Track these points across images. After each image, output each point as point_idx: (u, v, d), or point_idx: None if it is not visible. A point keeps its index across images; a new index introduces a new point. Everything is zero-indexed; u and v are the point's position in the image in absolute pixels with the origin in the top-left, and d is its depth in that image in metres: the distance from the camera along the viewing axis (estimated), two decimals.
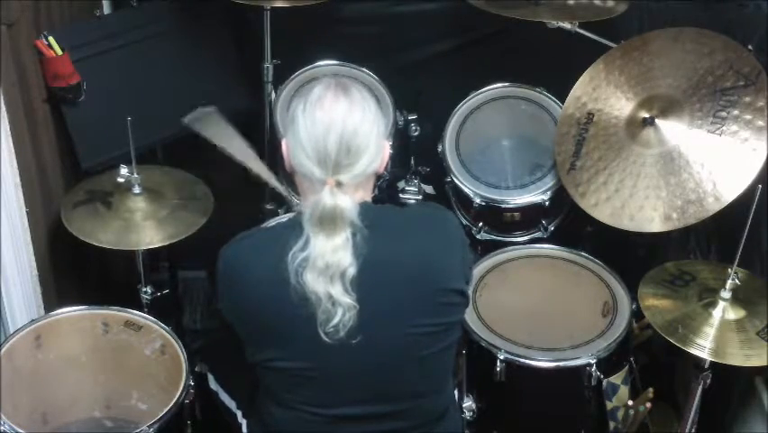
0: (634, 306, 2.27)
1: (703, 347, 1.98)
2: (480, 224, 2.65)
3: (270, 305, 1.70)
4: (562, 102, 2.57)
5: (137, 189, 2.38)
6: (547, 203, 2.58)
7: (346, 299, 1.64)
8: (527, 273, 2.47)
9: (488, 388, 2.28)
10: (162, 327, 2.22)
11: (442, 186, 2.77)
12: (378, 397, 1.77)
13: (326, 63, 2.81)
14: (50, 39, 2.43)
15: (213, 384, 2.18)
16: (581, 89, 2.51)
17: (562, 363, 2.19)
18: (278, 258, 1.65)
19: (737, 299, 2.06)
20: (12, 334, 2.17)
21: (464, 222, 2.67)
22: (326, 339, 1.65)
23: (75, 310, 2.24)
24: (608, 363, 2.21)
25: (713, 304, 2.06)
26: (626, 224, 2.36)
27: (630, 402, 2.26)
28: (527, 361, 2.19)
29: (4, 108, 2.20)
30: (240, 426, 2.05)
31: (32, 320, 2.23)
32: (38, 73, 2.44)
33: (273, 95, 2.79)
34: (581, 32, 2.56)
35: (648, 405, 2.25)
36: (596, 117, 2.48)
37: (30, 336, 2.17)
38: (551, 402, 2.27)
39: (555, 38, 2.59)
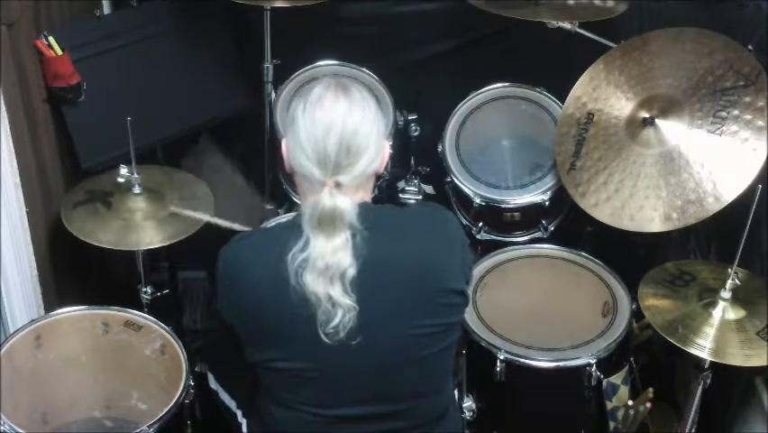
0: (634, 306, 2.27)
1: (703, 347, 1.98)
2: (480, 224, 2.65)
3: (270, 305, 1.70)
4: (562, 102, 2.57)
5: (137, 189, 2.38)
6: (547, 203, 2.58)
7: (346, 300, 1.63)
8: (527, 273, 2.47)
9: (488, 388, 2.28)
10: (162, 327, 2.22)
11: (442, 186, 2.77)
12: (378, 397, 1.77)
13: (326, 63, 2.81)
14: (50, 39, 2.43)
15: (213, 384, 2.18)
16: (581, 89, 2.51)
17: (562, 363, 2.19)
18: (277, 258, 1.65)
19: (737, 299, 2.06)
20: (12, 334, 2.17)
21: (464, 222, 2.67)
22: (326, 340, 1.65)
23: (75, 310, 2.24)
24: (608, 363, 2.21)
25: (713, 304, 2.06)
26: (626, 224, 2.36)
27: (630, 402, 2.26)
28: (527, 361, 2.19)
29: (4, 108, 2.20)
30: (240, 426, 2.05)
31: (32, 320, 2.23)
32: (38, 73, 2.43)
33: (273, 95, 2.79)
34: (581, 32, 2.56)
35: (648, 405, 2.25)
36: (596, 117, 2.48)
37: (30, 336, 2.17)
38: (551, 402, 2.27)
39: (555, 38, 2.59)
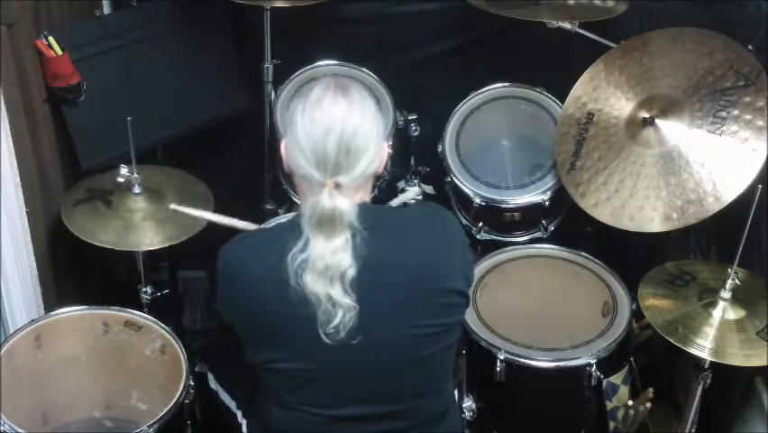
0: (634, 306, 2.27)
1: (703, 347, 1.98)
2: (480, 224, 2.65)
3: (270, 305, 1.69)
4: (562, 102, 2.57)
5: (137, 189, 2.38)
6: (547, 203, 2.58)
7: (346, 301, 1.63)
8: (527, 273, 2.47)
9: (488, 388, 2.28)
10: (162, 327, 2.22)
11: (442, 186, 2.77)
12: (378, 397, 1.77)
13: (326, 63, 2.81)
14: (50, 39, 2.43)
15: (213, 384, 2.18)
16: (581, 89, 2.51)
17: (562, 363, 2.19)
18: (277, 259, 1.65)
19: (737, 299, 2.06)
20: (12, 334, 2.17)
21: (464, 222, 2.67)
22: (327, 340, 1.65)
23: (75, 310, 2.24)
24: (608, 363, 2.21)
25: (713, 304, 2.06)
26: (626, 224, 2.36)
27: (630, 402, 2.26)
28: (527, 361, 2.19)
29: (4, 108, 2.20)
30: (240, 426, 2.05)
31: (32, 320, 2.24)
32: (38, 73, 2.44)
33: (273, 95, 2.79)
34: (581, 32, 2.56)
35: (648, 405, 2.25)
36: (596, 117, 2.48)
37: (30, 336, 2.18)
38: (551, 402, 2.27)
39: (555, 38, 2.59)
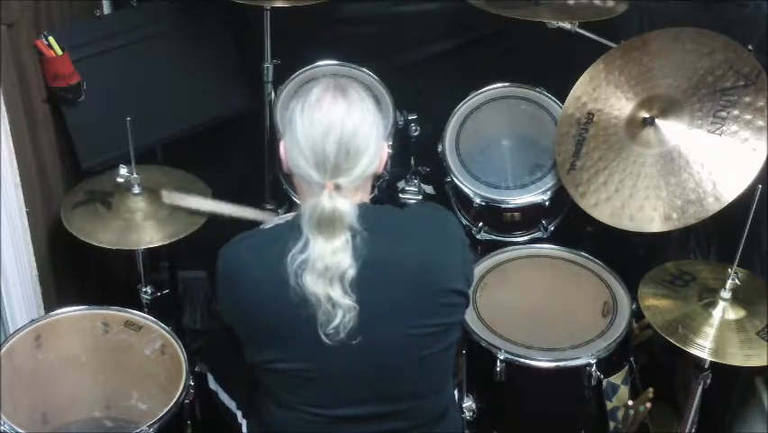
0: (634, 306, 2.27)
1: (703, 347, 1.98)
2: (480, 224, 2.65)
3: (270, 306, 1.69)
4: (562, 102, 2.57)
5: (137, 189, 2.38)
6: (547, 203, 2.58)
7: (346, 301, 1.63)
8: (527, 273, 2.47)
9: (488, 388, 2.28)
10: (162, 327, 2.22)
11: (442, 186, 2.77)
12: (378, 397, 1.77)
13: (326, 63, 2.81)
14: (50, 39, 2.43)
15: (213, 384, 2.18)
16: (581, 89, 2.51)
17: (562, 363, 2.19)
18: (277, 259, 1.65)
19: (737, 299, 2.06)
20: (12, 334, 2.17)
21: (464, 222, 2.67)
22: (326, 341, 1.65)
23: (75, 310, 2.24)
24: (608, 363, 2.21)
25: (713, 304, 2.06)
26: (626, 224, 2.36)
27: (630, 402, 2.26)
28: (527, 361, 2.19)
29: (4, 108, 2.20)
30: (240, 426, 2.05)
31: (32, 320, 2.24)
32: (38, 73, 2.43)
33: (273, 95, 2.79)
34: (581, 32, 2.56)
35: (648, 405, 2.25)
36: (596, 117, 2.48)
37: (30, 336, 2.18)
38: (551, 402, 2.27)
39: (555, 38, 2.59)
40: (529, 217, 2.63)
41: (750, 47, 2.29)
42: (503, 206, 2.61)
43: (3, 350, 2.11)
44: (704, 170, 2.29)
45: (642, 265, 2.31)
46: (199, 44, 2.83)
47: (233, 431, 2.08)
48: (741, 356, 1.96)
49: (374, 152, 1.71)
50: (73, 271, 2.64)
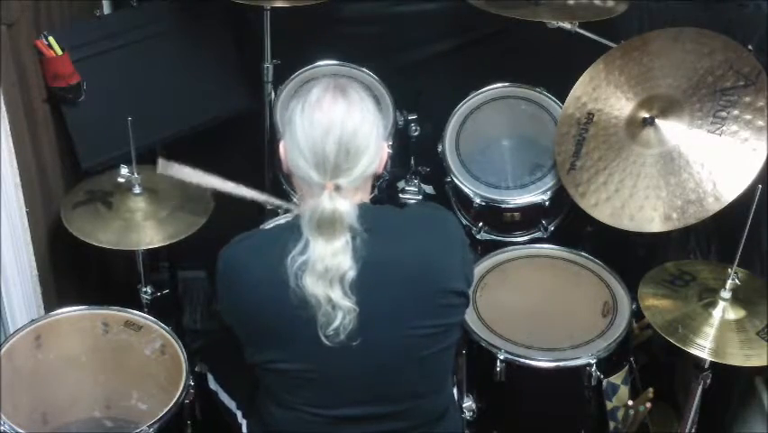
0: (634, 306, 2.27)
1: (703, 347, 1.98)
2: (480, 224, 2.65)
3: (270, 307, 1.69)
4: (562, 102, 2.57)
5: (137, 189, 2.38)
6: (547, 203, 2.58)
7: (346, 303, 1.63)
8: (527, 273, 2.47)
9: (488, 388, 2.28)
10: (162, 327, 2.22)
11: (442, 186, 2.77)
12: (378, 398, 1.77)
13: (326, 63, 2.81)
14: (50, 39, 2.43)
15: (213, 384, 2.18)
16: (581, 89, 2.51)
17: (562, 363, 2.19)
18: (277, 260, 1.65)
19: (737, 299, 2.06)
20: (12, 334, 2.17)
21: (464, 222, 2.67)
22: (327, 342, 1.65)
23: (75, 310, 2.24)
24: (608, 363, 2.21)
25: (713, 304, 2.06)
26: (626, 224, 2.36)
27: (630, 402, 2.26)
28: (527, 361, 2.19)
29: (4, 108, 2.20)
30: (240, 426, 2.05)
31: (32, 320, 2.24)
32: (38, 73, 2.44)
33: (273, 95, 2.79)
34: (581, 32, 2.56)
35: (648, 405, 2.25)
36: (596, 117, 2.48)
37: (30, 336, 2.18)
38: (551, 402, 2.27)
39: (555, 38, 2.59)
40: (529, 217, 2.63)
41: (750, 47, 2.29)
42: (503, 206, 2.61)
43: (3, 350, 2.11)
44: (704, 170, 2.29)
45: (642, 265, 2.31)
46: (199, 44, 2.83)
47: (233, 431, 2.08)
48: (741, 356, 1.96)
49: (374, 152, 1.71)
50: (73, 271, 2.64)
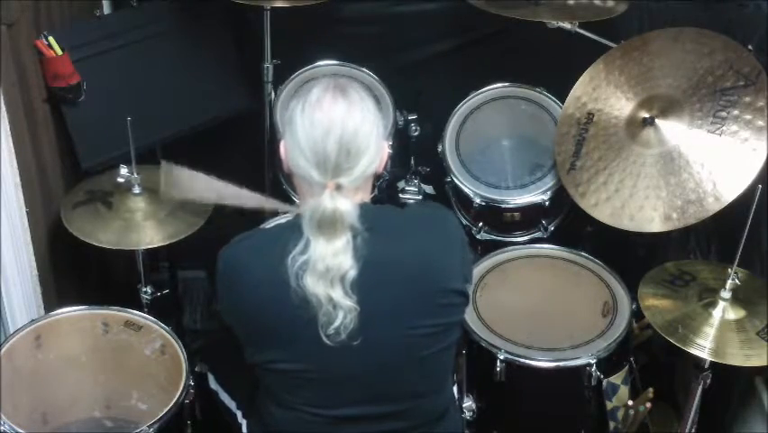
0: (634, 306, 2.27)
1: (703, 347, 1.98)
2: (480, 224, 2.65)
3: (270, 306, 1.69)
4: (562, 102, 2.57)
5: (137, 189, 2.38)
6: (547, 203, 2.58)
7: (347, 302, 1.63)
8: (527, 273, 2.47)
9: (488, 388, 2.28)
10: (162, 327, 2.22)
11: (442, 186, 2.77)
12: (378, 397, 1.77)
13: (326, 63, 2.81)
14: (50, 39, 2.43)
15: (213, 384, 2.18)
16: (581, 89, 2.51)
17: (562, 363, 2.19)
18: (278, 260, 1.65)
19: (737, 299, 2.06)
20: (12, 334, 2.17)
21: (464, 222, 2.67)
22: (327, 342, 1.65)
23: (75, 310, 2.24)
24: (608, 363, 2.21)
25: (713, 304, 2.06)
26: (626, 224, 2.36)
27: (630, 402, 2.26)
28: (527, 361, 2.19)
29: (4, 108, 2.20)
30: (240, 426, 2.05)
31: (32, 320, 2.24)
32: (38, 73, 2.44)
33: (273, 95, 2.79)
34: (581, 32, 2.56)
35: (648, 405, 2.25)
36: (596, 117, 2.48)
37: (30, 336, 2.17)
38: (551, 402, 2.27)
39: (555, 38, 2.59)
40: (529, 217, 2.63)
41: (750, 47, 2.29)
42: (503, 206, 2.61)
43: (3, 350, 2.11)
44: (704, 170, 2.29)
45: (642, 265, 2.31)
46: (199, 44, 2.83)
47: (233, 431, 2.08)
48: (741, 356, 1.96)
49: (375, 151, 1.71)
50: (73, 271, 2.64)
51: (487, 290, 2.39)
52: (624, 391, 2.26)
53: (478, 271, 2.43)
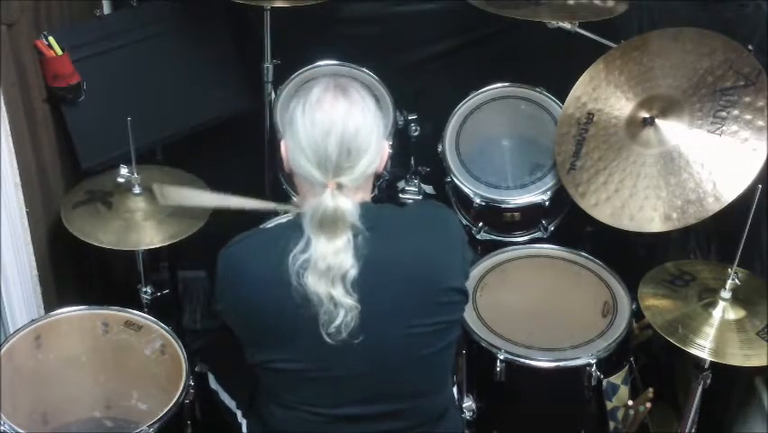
0: (634, 306, 2.26)
1: (703, 347, 1.98)
2: (480, 224, 2.65)
3: (271, 306, 1.69)
4: (562, 102, 2.57)
5: (137, 189, 2.38)
6: (547, 203, 2.58)
7: (348, 301, 1.64)
8: (527, 273, 2.47)
9: (488, 388, 2.28)
10: (162, 327, 2.22)
11: (442, 186, 2.77)
12: (378, 396, 1.77)
13: (326, 63, 2.81)
14: (50, 39, 2.43)
15: (213, 384, 2.18)
16: (581, 89, 2.51)
17: (562, 363, 2.19)
18: (278, 259, 1.65)
19: (737, 299, 2.06)
20: (12, 334, 2.17)
21: (464, 222, 2.67)
22: (328, 340, 1.65)
23: (75, 310, 2.24)
24: (608, 363, 2.21)
25: (713, 304, 2.06)
26: (626, 224, 2.36)
27: (630, 402, 2.26)
28: (527, 361, 2.19)
29: (4, 108, 2.20)
30: (240, 426, 2.05)
31: (32, 320, 2.23)
32: (38, 73, 2.44)
33: (273, 95, 2.79)
34: (581, 32, 2.56)
35: (648, 405, 2.25)
36: (596, 117, 2.48)
37: (30, 336, 2.17)
38: (551, 402, 2.27)
39: (555, 38, 2.59)
40: (529, 217, 2.63)
41: (750, 47, 2.29)
42: (503, 206, 2.61)
43: (3, 350, 2.10)
44: (704, 170, 2.29)
45: (642, 265, 2.31)
46: (199, 44, 2.83)
47: (233, 431, 2.08)
48: (741, 356, 1.96)
49: (375, 151, 1.71)
50: (73, 271, 2.64)
51: (487, 290, 2.39)
52: (624, 391, 2.26)
53: (478, 271, 2.42)
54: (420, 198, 2.89)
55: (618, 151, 2.43)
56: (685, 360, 2.26)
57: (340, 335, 1.65)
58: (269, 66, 2.79)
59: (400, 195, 2.90)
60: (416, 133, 2.82)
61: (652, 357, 2.60)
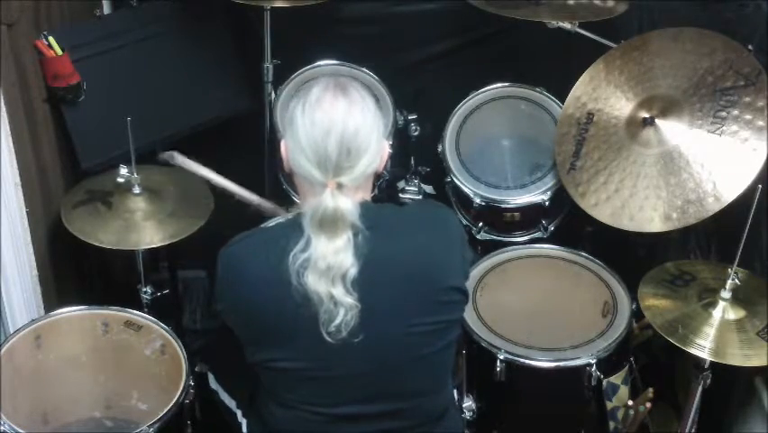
0: (634, 306, 2.27)
1: (703, 347, 1.98)
2: (480, 224, 2.65)
3: (271, 305, 1.70)
4: (562, 102, 2.57)
5: (137, 189, 2.38)
6: (547, 203, 2.58)
7: (348, 300, 1.64)
8: (527, 273, 2.47)
9: (488, 388, 2.28)
10: (162, 327, 2.22)
11: (442, 186, 2.77)
12: (378, 396, 1.77)
13: (326, 63, 2.81)
14: (50, 39, 2.43)
15: (213, 384, 2.18)
16: (581, 89, 2.51)
17: (562, 363, 2.19)
18: (278, 258, 1.65)
19: (737, 299, 2.06)
20: (12, 334, 2.17)
21: (464, 222, 2.67)
22: (329, 339, 1.65)
23: (75, 310, 2.24)
24: (608, 363, 2.21)
25: (713, 304, 2.06)
26: (626, 224, 2.36)
27: (630, 402, 2.26)
28: (527, 361, 2.19)
29: (4, 108, 2.20)
30: (240, 425, 2.05)
31: (32, 320, 2.24)
32: (38, 73, 2.44)
33: (273, 95, 2.79)
34: (581, 32, 2.56)
35: (648, 405, 2.25)
36: (596, 117, 2.48)
37: (30, 336, 2.18)
38: (551, 402, 2.27)
39: (555, 38, 2.59)
40: (529, 217, 2.63)
41: (750, 47, 2.29)
42: (503, 206, 2.61)
43: (3, 350, 2.11)
44: (704, 170, 2.29)
45: (642, 265, 2.31)
46: (199, 44, 2.83)
47: (233, 431, 2.08)
48: (741, 356, 1.96)
49: (375, 150, 1.71)
50: (73, 271, 2.64)
51: (487, 290, 2.39)
52: (624, 391, 2.26)
53: (478, 271, 2.42)
54: (420, 197, 2.89)
55: (618, 151, 2.43)
56: (685, 360, 2.26)
57: (340, 334, 1.65)
58: (269, 66, 2.79)
59: (400, 195, 2.90)
60: (416, 133, 2.82)
61: (652, 357, 2.60)
